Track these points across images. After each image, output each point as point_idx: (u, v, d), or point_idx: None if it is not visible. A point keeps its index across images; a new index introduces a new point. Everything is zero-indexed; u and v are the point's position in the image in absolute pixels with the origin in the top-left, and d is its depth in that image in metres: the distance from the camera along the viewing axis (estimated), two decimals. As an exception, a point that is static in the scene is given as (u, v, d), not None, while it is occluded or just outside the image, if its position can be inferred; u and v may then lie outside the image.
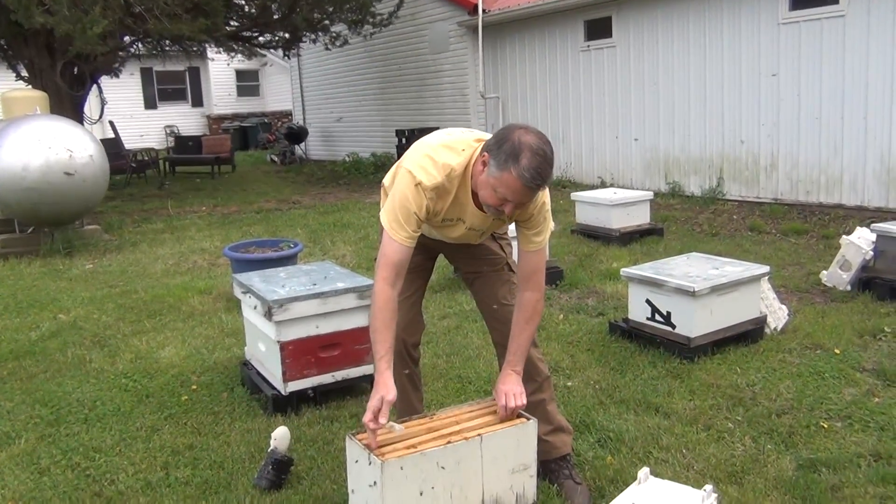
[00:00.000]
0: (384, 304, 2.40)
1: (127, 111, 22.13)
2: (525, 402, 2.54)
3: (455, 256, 2.94)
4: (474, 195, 2.46)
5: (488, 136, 2.45)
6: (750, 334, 4.29)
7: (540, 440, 2.68)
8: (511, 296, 2.77)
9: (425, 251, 2.84)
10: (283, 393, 3.58)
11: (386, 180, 2.65)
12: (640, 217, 7.36)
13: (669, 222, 8.14)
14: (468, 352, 4.35)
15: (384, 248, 2.46)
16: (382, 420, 2.29)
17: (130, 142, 15.86)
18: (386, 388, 2.32)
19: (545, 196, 2.53)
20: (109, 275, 6.78)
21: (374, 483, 2.27)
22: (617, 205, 7.15)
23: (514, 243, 2.73)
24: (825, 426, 3.28)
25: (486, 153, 2.32)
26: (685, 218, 8.44)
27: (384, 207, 2.50)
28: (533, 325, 2.62)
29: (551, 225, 2.65)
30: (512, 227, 2.76)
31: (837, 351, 4.13)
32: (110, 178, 8.43)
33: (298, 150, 18.36)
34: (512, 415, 2.52)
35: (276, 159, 18.22)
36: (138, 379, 4.11)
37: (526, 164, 2.23)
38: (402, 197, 2.41)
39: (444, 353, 4.32)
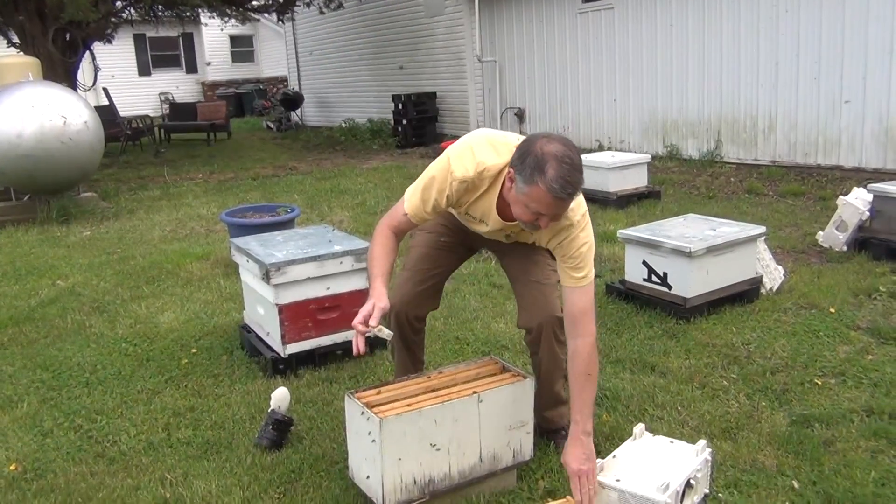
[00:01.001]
0: (385, 241, 2.44)
1: (120, 78, 21.93)
2: (596, 481, 2.30)
3: (493, 247, 2.88)
4: (500, 204, 2.41)
5: None
6: (746, 294, 4.32)
7: (540, 415, 2.73)
8: (545, 277, 2.70)
9: (464, 237, 2.79)
10: (282, 355, 3.61)
11: None
12: (638, 180, 7.36)
13: (667, 185, 8.14)
14: (465, 314, 4.37)
15: (395, 207, 2.49)
16: (373, 323, 2.26)
17: (125, 109, 15.73)
18: (380, 297, 2.31)
19: (584, 230, 2.42)
20: (107, 242, 6.78)
21: (374, 440, 2.30)
22: (614, 168, 7.14)
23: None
24: (819, 383, 3.32)
25: (511, 169, 2.25)
26: (683, 181, 8.43)
27: (417, 180, 2.49)
28: (593, 377, 2.44)
29: (591, 257, 2.47)
30: None
31: (832, 310, 4.16)
32: (105, 145, 8.39)
33: (294, 116, 18.25)
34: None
35: (272, 126, 18.12)
36: (138, 343, 4.14)
37: (553, 174, 2.15)
38: (430, 178, 2.41)
39: (441, 315, 4.34)
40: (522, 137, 2.40)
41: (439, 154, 2.53)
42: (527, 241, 2.67)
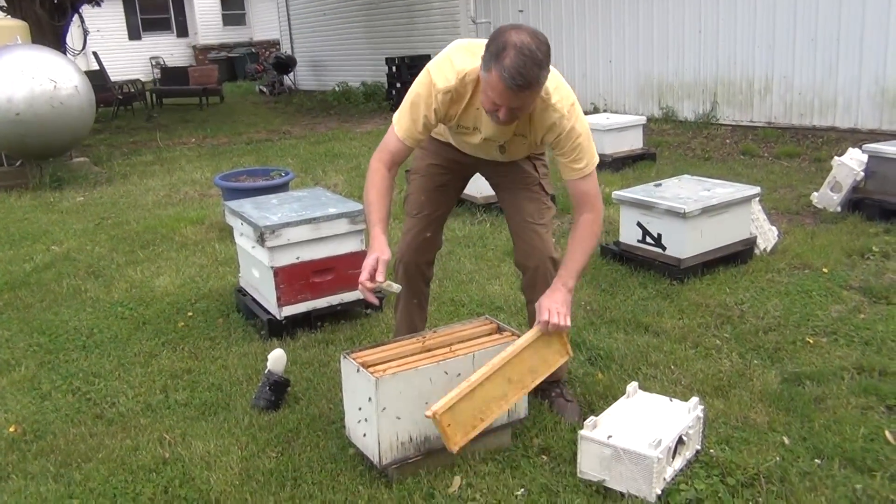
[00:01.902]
0: (380, 180, 2.43)
1: (110, 42, 21.64)
2: (568, 323, 2.42)
3: (488, 173, 2.89)
4: None
5: None
6: (740, 255, 4.33)
7: None
8: (539, 215, 2.74)
9: (457, 170, 2.82)
10: (278, 318, 3.62)
11: None
12: (633, 142, 7.33)
13: (662, 147, 8.11)
14: (460, 276, 4.38)
15: (386, 136, 2.47)
16: (380, 278, 2.26)
17: (115, 74, 15.53)
18: (381, 249, 2.30)
19: (573, 122, 2.42)
20: (100, 207, 6.76)
21: (370, 399, 2.32)
22: (609, 130, 7.11)
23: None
24: (811, 342, 3.35)
25: (482, 57, 2.25)
26: (678, 143, 8.40)
27: (402, 103, 2.48)
28: (587, 245, 2.52)
29: (596, 157, 2.52)
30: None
31: (825, 270, 4.18)
32: (97, 110, 8.31)
33: (287, 80, 18.06)
34: (549, 332, 2.42)
35: (265, 90, 17.94)
36: (134, 307, 4.15)
37: (508, 63, 2.13)
38: (415, 96, 2.40)
39: (437, 277, 4.32)
40: None
41: None
42: (522, 154, 2.67)
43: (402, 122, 2.44)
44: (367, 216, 2.45)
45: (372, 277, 2.26)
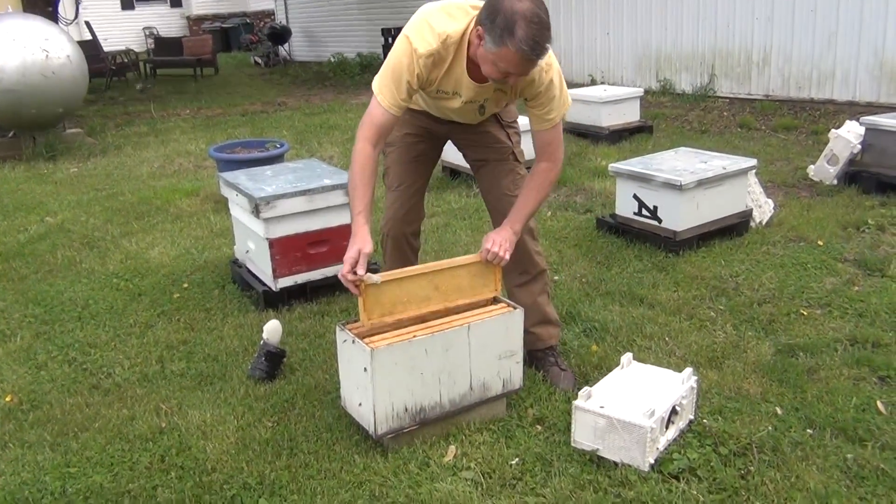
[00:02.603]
0: (365, 162, 2.39)
1: (102, 12, 21.39)
2: (506, 257, 2.50)
3: (462, 142, 2.88)
4: (470, 67, 2.38)
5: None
6: (735, 228, 4.33)
7: (527, 331, 2.74)
8: (514, 186, 2.75)
9: (432, 138, 2.82)
10: (273, 289, 3.62)
11: None
12: (630, 115, 7.29)
13: (659, 120, 8.08)
14: (456, 248, 4.38)
15: (370, 109, 2.42)
16: (360, 271, 2.28)
17: (108, 45, 15.36)
18: (364, 241, 2.30)
19: (552, 74, 2.43)
20: (95, 178, 6.72)
21: (365, 369, 2.33)
22: (606, 102, 7.06)
23: (525, 135, 2.69)
24: (805, 314, 3.37)
25: (480, 27, 2.22)
26: (675, 115, 8.37)
27: (379, 74, 2.43)
28: (541, 193, 2.57)
29: (569, 101, 2.54)
30: (524, 120, 2.72)
31: (821, 243, 4.19)
32: (90, 81, 8.23)
33: (282, 51, 17.89)
34: (490, 260, 2.49)
35: (259, 61, 17.77)
36: (129, 278, 4.14)
37: (523, 35, 2.13)
38: (396, 62, 2.36)
39: (432, 249, 4.35)
40: None
41: None
42: (499, 109, 2.69)
43: (385, 92, 2.38)
44: (351, 201, 2.42)
45: (352, 270, 2.27)
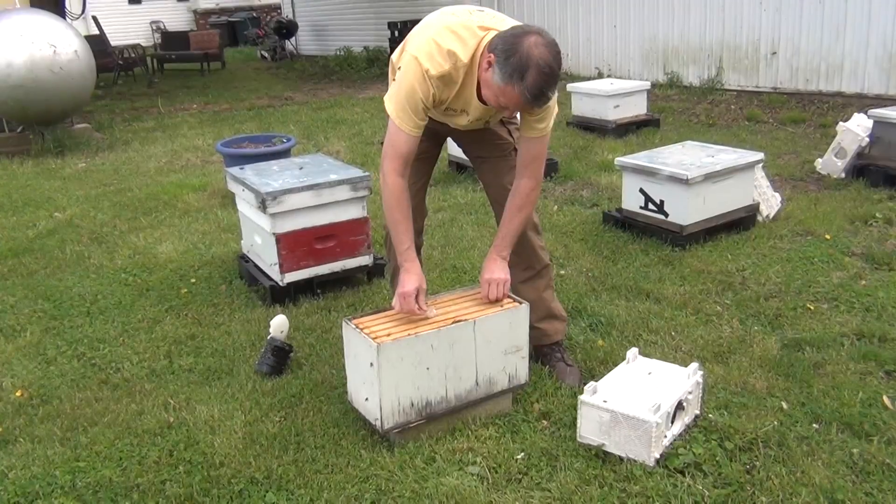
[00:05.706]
0: (400, 195, 2.43)
1: (110, 7, 21.40)
2: (507, 291, 2.59)
3: (463, 140, 2.89)
4: (478, 88, 2.38)
5: (490, 19, 2.37)
6: (742, 222, 4.33)
7: (533, 327, 2.75)
8: None
9: (433, 136, 2.81)
10: (280, 284, 3.64)
11: (394, 57, 2.58)
12: (637, 108, 7.26)
13: (666, 113, 8.05)
14: (463, 243, 4.39)
15: (392, 137, 2.42)
16: (423, 307, 2.44)
17: (115, 39, 15.38)
18: (420, 278, 2.44)
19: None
20: (103, 173, 6.75)
21: (371, 364, 2.34)
22: (613, 95, 7.04)
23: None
24: (811, 308, 3.36)
25: (492, 55, 2.22)
26: (682, 109, 8.33)
27: (390, 95, 2.43)
28: (525, 213, 2.61)
29: (555, 110, 2.56)
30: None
31: (828, 237, 4.17)
32: (97, 76, 8.25)
33: (289, 45, 17.88)
34: (495, 304, 2.58)
35: (266, 55, 17.77)
36: (137, 274, 4.17)
37: (531, 82, 2.17)
38: (408, 86, 2.34)
39: (439, 244, 4.36)
40: (470, 13, 2.41)
41: None
42: (500, 118, 2.73)
43: (403, 116, 2.38)
44: (395, 236, 2.48)
45: (413, 308, 2.43)
